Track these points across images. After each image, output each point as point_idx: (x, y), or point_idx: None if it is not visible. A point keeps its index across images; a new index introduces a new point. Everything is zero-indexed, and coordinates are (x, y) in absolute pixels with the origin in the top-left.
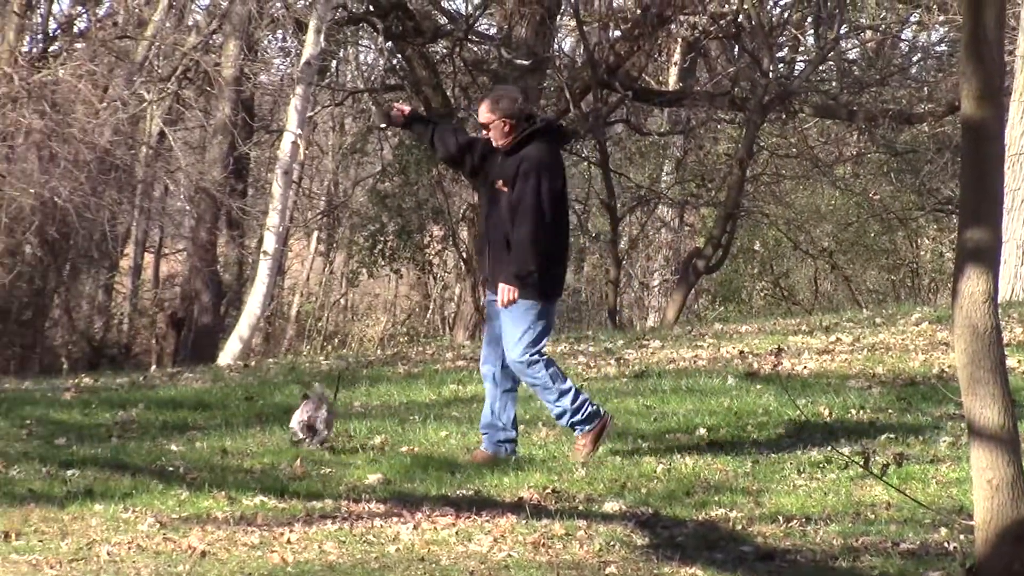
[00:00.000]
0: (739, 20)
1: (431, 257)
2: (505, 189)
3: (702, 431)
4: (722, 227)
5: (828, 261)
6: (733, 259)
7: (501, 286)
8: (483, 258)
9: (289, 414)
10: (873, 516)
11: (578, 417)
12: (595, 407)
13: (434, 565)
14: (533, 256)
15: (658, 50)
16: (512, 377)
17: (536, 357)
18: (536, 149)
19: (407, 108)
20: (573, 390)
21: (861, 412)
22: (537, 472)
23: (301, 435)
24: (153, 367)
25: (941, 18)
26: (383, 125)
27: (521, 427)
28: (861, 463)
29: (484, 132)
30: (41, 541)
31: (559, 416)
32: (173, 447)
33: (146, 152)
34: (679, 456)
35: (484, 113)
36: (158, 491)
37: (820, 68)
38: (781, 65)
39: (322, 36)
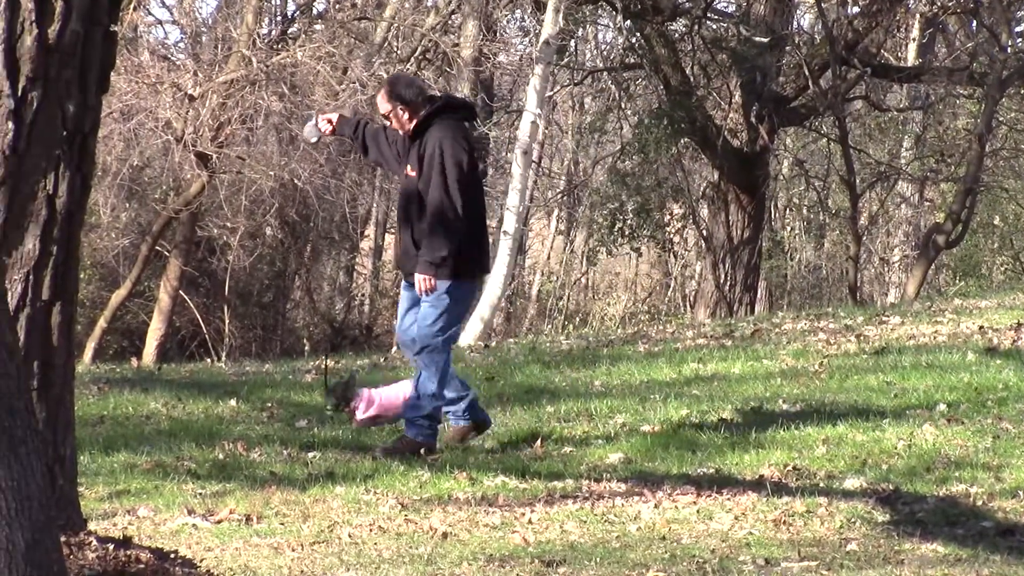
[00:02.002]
0: None
1: (671, 235)
2: (412, 174)
3: (942, 407)
4: (962, 202)
5: None
6: (973, 234)
7: (417, 276)
8: (397, 244)
9: (530, 394)
10: None
11: (421, 424)
12: (434, 435)
13: (675, 543)
14: (445, 242)
15: (896, 26)
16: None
17: (442, 345)
18: (438, 130)
19: (334, 116)
20: (438, 407)
21: None
22: (778, 450)
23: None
24: (394, 348)
25: None
26: (314, 139)
27: (760, 405)
28: None
29: (388, 123)
30: (283, 524)
31: (410, 406)
32: None
33: None
34: (919, 432)
35: (382, 104)
36: (399, 473)
37: None
38: (1020, 40)
39: (560, 15)
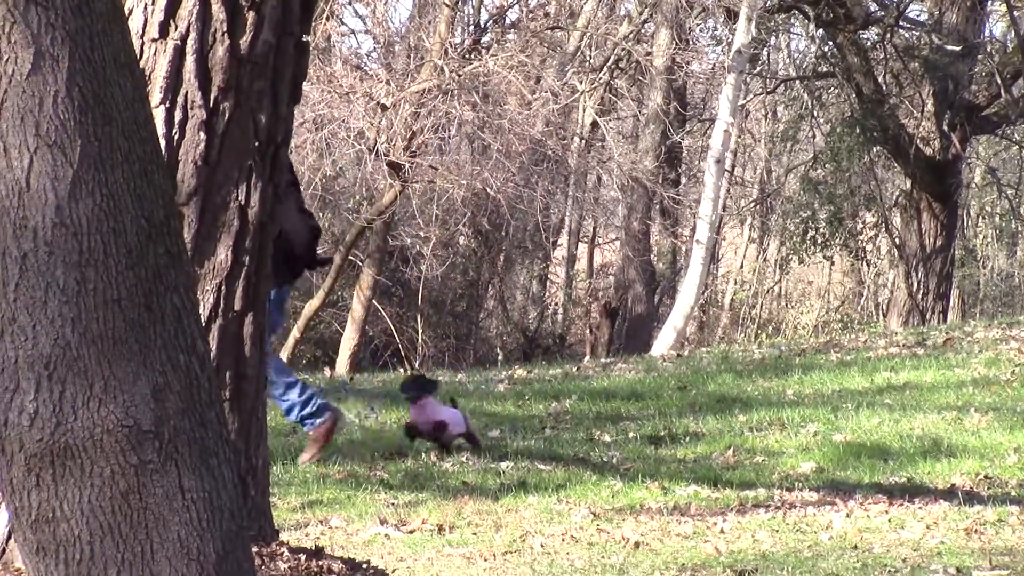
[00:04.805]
0: None
1: (864, 244)
2: None
3: None
4: None
5: None
6: None
7: None
8: None
9: (722, 403)
10: None
11: (308, 410)
12: (323, 401)
13: (866, 553)
14: None
15: None
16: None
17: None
18: None
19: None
20: (299, 383)
21: None
22: (969, 458)
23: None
24: (587, 357)
25: None
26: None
27: (952, 414)
28: None
29: None
30: (475, 533)
31: (288, 411)
32: (606, 438)
33: (578, 142)
34: None
35: None
36: (591, 482)
37: None
38: None
39: (753, 24)
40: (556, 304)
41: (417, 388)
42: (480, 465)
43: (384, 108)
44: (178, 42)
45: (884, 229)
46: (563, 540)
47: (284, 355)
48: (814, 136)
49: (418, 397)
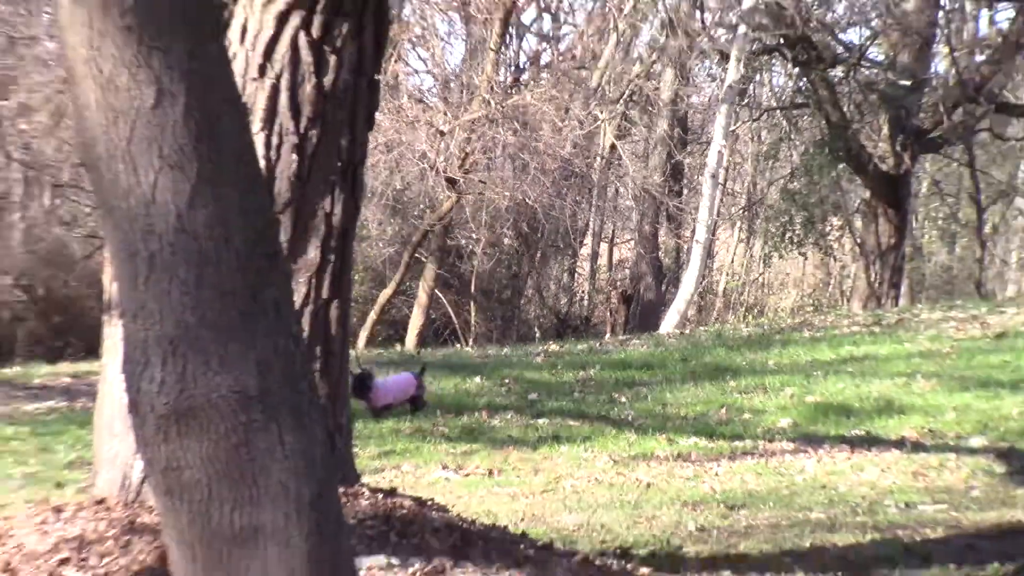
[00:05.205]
0: None
1: (831, 242)
2: None
3: None
4: None
5: None
6: None
7: None
8: None
9: (717, 372)
10: None
11: None
12: None
13: (833, 491)
14: None
15: (1016, 70)
16: None
17: None
18: None
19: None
20: None
21: None
22: (916, 415)
23: None
24: (607, 335)
25: None
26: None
27: (902, 380)
28: None
29: None
30: (518, 476)
31: None
32: (623, 399)
33: (600, 161)
34: None
35: None
36: (611, 435)
37: None
38: None
39: (741, 64)
40: (582, 292)
41: (359, 388)
42: (522, 422)
43: (442, 134)
44: (274, 81)
45: (848, 230)
46: (589, 481)
47: (363, 334)
48: (791, 155)
49: (365, 393)
